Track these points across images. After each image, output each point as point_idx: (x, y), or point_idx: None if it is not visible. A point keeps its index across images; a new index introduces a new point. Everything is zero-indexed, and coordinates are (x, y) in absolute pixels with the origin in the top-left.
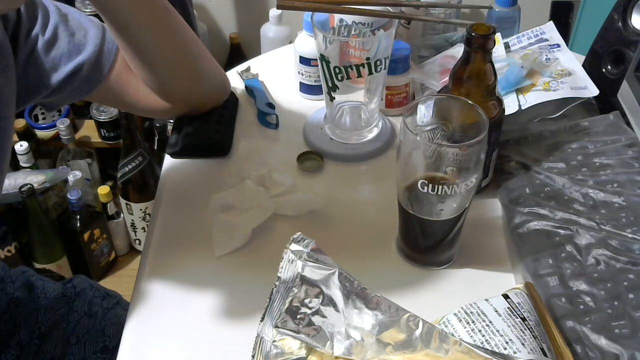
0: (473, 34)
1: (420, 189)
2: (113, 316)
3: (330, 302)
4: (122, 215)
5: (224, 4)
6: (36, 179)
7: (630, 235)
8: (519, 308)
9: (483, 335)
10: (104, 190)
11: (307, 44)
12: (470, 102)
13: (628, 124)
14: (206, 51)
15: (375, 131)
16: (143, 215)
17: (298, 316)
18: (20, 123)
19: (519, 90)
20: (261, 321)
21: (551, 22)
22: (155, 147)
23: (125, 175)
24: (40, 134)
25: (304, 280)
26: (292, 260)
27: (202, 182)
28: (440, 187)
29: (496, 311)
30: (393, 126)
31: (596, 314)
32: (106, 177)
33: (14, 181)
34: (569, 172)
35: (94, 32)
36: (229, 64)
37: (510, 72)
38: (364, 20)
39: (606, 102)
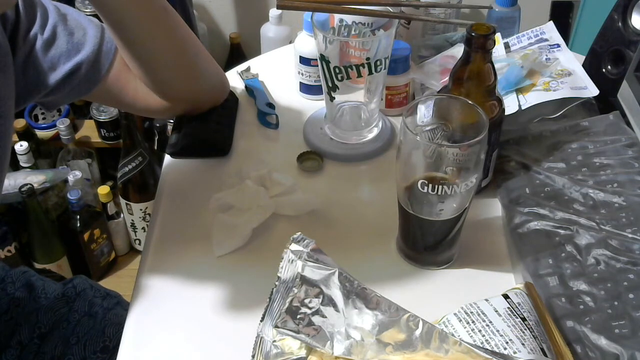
0: (473, 34)
1: (420, 189)
2: (113, 316)
3: (330, 302)
4: (122, 215)
5: (224, 4)
6: (36, 179)
7: (630, 235)
8: (519, 308)
9: (483, 335)
10: (104, 190)
11: (307, 44)
12: (470, 102)
13: (628, 124)
14: (205, 50)
15: (375, 131)
16: (143, 215)
17: (298, 316)
18: (20, 123)
19: (519, 90)
20: (261, 321)
21: (551, 22)
22: (155, 147)
23: (125, 175)
24: (40, 134)
25: (304, 280)
26: (292, 260)
27: (202, 182)
28: (440, 187)
29: (496, 311)
30: (393, 126)
31: (596, 314)
32: (106, 177)
33: (14, 181)
34: (569, 172)
35: (92, 32)
36: (229, 64)
37: (510, 72)
38: (364, 20)
39: (606, 102)
